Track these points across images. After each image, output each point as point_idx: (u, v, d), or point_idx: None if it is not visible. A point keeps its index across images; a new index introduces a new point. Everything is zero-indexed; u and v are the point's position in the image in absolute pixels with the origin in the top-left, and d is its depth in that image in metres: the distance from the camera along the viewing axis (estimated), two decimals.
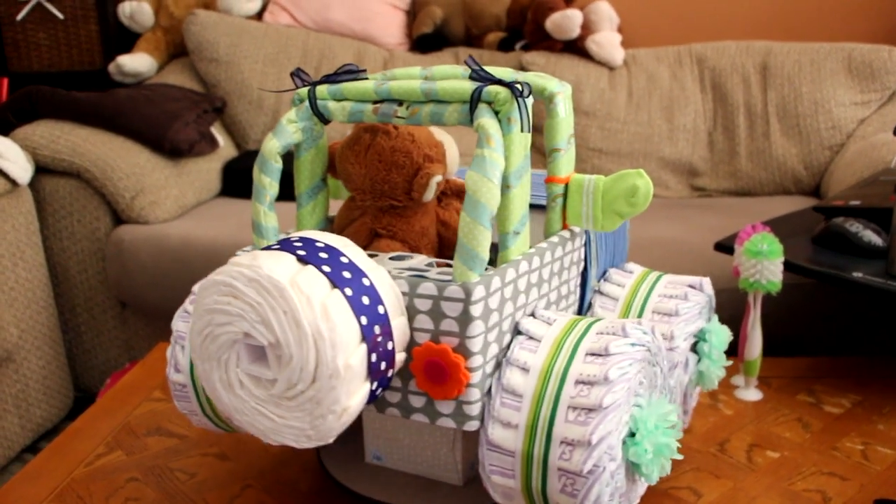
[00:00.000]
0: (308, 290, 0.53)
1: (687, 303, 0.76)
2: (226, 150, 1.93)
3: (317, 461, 0.81)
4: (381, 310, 0.56)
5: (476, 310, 0.57)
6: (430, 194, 0.69)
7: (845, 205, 1.07)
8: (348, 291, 0.55)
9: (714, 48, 1.96)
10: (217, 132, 1.90)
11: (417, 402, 0.61)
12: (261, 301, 0.53)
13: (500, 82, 0.60)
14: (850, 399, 0.95)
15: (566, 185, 0.68)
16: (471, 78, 0.62)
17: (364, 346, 0.55)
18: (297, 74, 0.69)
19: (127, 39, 2.13)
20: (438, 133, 0.73)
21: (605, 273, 0.80)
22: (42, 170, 1.56)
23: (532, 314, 0.65)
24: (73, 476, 0.81)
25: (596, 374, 0.57)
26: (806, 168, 1.83)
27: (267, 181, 0.66)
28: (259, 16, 2.19)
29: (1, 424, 1.38)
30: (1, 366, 1.38)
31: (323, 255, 0.56)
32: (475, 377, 0.59)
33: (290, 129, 0.67)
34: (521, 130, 0.61)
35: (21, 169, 1.43)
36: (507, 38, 2.12)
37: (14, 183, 1.43)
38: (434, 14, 2.14)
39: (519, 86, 0.59)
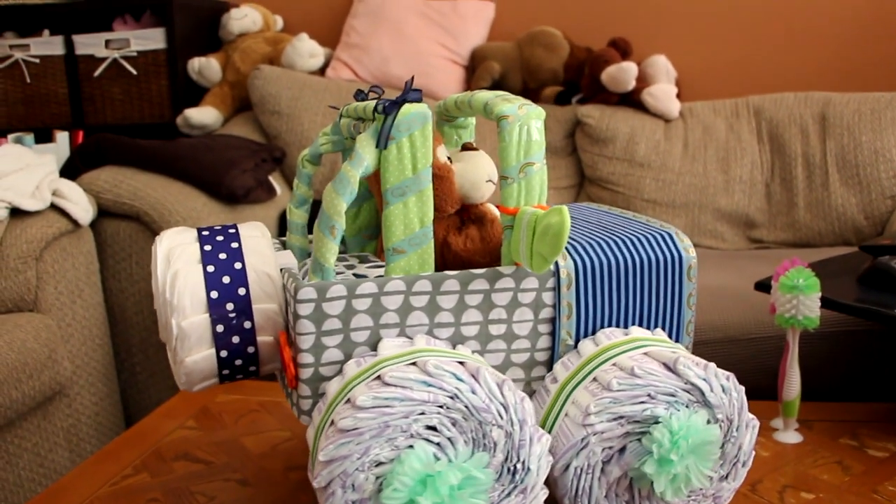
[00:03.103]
0: (173, 259, 0.64)
1: (629, 379, 0.62)
2: (283, 198, 1.98)
3: None
4: (241, 291, 0.63)
5: (303, 309, 0.60)
6: None
7: (892, 244, 1.03)
8: (210, 268, 0.63)
9: (772, 100, 1.94)
10: (276, 182, 1.95)
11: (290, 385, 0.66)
12: (155, 264, 0.66)
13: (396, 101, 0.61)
14: None
15: (514, 218, 0.63)
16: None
17: (206, 316, 0.62)
18: (356, 95, 0.73)
19: (195, 94, 2.22)
20: (475, 156, 0.71)
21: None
22: (104, 213, 1.62)
23: (410, 337, 0.64)
24: (98, 494, 0.82)
25: (353, 397, 0.58)
26: (867, 218, 1.77)
27: (296, 183, 0.76)
28: (322, 71, 2.26)
29: (51, 457, 1.41)
30: (54, 399, 1.41)
31: (219, 238, 0.66)
32: (304, 373, 0.62)
33: (321, 140, 0.74)
34: (377, 146, 0.61)
35: (83, 210, 1.49)
36: (563, 92, 2.13)
37: (76, 223, 1.49)
38: (492, 69, 2.17)
39: (391, 104, 0.61)
